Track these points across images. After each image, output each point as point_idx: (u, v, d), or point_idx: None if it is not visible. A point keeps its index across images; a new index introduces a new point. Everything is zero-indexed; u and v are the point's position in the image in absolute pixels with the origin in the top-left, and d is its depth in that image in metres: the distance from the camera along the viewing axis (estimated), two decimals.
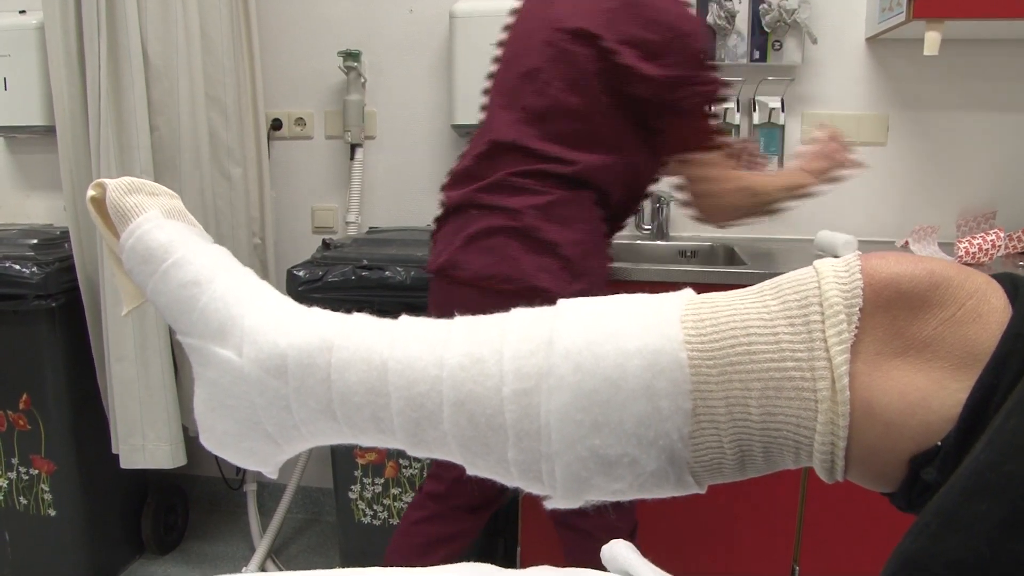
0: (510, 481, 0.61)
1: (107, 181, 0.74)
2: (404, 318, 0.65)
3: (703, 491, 0.58)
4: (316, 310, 0.68)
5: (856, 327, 0.52)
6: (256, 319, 0.66)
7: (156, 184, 0.78)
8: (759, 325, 0.54)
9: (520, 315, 0.62)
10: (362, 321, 0.66)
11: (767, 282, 0.58)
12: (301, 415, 0.65)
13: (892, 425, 0.50)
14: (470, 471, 0.63)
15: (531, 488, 0.60)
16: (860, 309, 0.52)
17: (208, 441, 0.70)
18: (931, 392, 0.49)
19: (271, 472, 0.72)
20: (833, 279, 0.53)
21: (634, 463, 0.56)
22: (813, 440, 0.52)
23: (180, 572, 2.61)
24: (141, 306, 0.81)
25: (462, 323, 0.63)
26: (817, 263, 0.56)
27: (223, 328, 0.66)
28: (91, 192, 0.74)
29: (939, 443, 0.48)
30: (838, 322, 0.52)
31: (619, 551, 0.76)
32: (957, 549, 0.42)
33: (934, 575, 0.42)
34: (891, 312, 0.52)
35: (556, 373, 0.56)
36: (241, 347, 0.65)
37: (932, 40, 2.00)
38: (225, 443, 0.69)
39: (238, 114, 2.49)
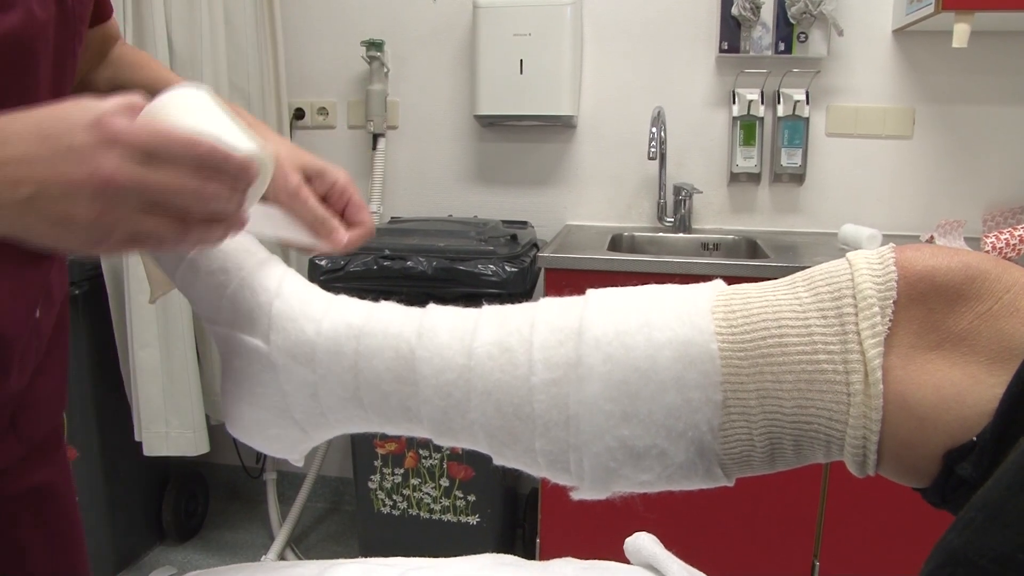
0: (537, 471, 0.61)
1: None
2: (432, 306, 0.65)
3: (731, 484, 0.58)
4: (344, 298, 0.68)
5: (890, 320, 0.51)
6: (284, 307, 0.66)
7: None
8: (791, 317, 0.53)
9: (549, 304, 0.61)
10: (390, 309, 0.66)
11: (799, 274, 0.57)
12: (328, 403, 0.65)
13: (926, 420, 0.49)
14: (497, 461, 0.63)
15: (558, 479, 0.60)
16: (894, 302, 0.51)
17: (236, 428, 0.70)
18: (966, 387, 0.48)
19: (297, 459, 0.72)
20: (867, 271, 0.53)
21: (663, 454, 0.55)
22: (845, 434, 0.51)
23: (200, 559, 2.62)
24: (167, 294, 0.81)
25: (490, 312, 0.63)
26: (850, 255, 0.55)
27: (251, 316, 0.67)
28: None
29: (975, 438, 0.47)
30: (872, 315, 0.51)
31: (643, 543, 0.76)
32: (1004, 544, 0.41)
33: (980, 569, 0.41)
34: (926, 305, 0.51)
35: (586, 363, 0.56)
36: (269, 335, 0.65)
37: (961, 32, 1.97)
38: (253, 430, 0.69)
39: (261, 103, 2.50)
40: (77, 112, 0.51)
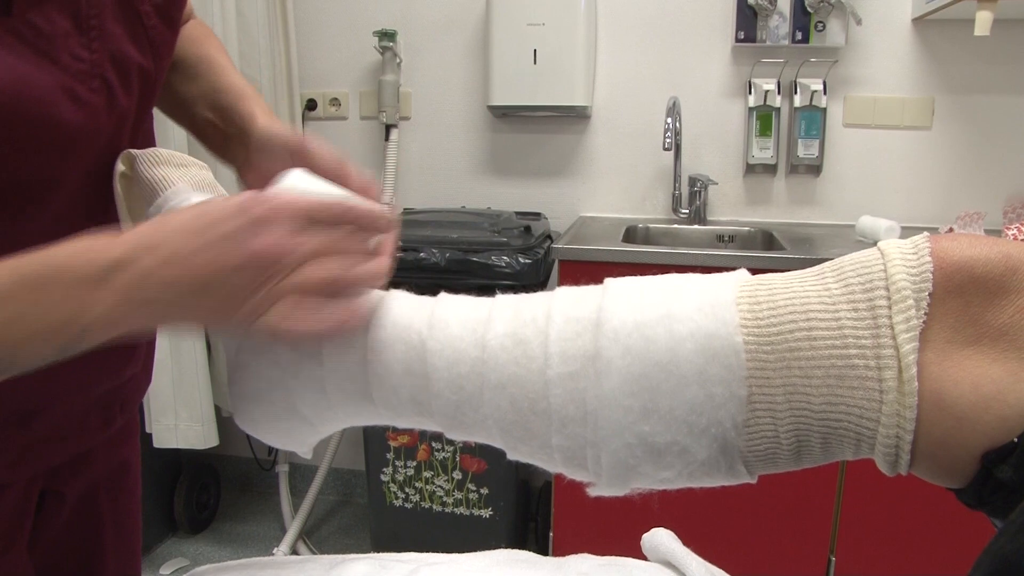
0: (553, 467, 0.58)
1: (135, 152, 0.72)
2: (443, 296, 0.63)
3: (754, 481, 0.56)
4: None
5: (925, 313, 0.49)
6: None
7: (184, 155, 0.76)
8: (820, 309, 0.51)
9: (566, 294, 0.59)
10: (399, 299, 0.64)
11: (827, 264, 0.54)
12: (337, 397, 0.63)
13: (964, 419, 0.47)
14: (511, 456, 0.61)
15: (575, 475, 0.58)
16: (930, 294, 0.49)
17: (243, 422, 0.69)
18: (1007, 384, 0.46)
19: (306, 452, 0.71)
20: (900, 261, 0.50)
21: (684, 451, 0.53)
22: (877, 432, 0.49)
23: (212, 551, 2.62)
24: None
25: (504, 302, 0.60)
26: (882, 244, 0.53)
27: None
28: (120, 167, 0.72)
29: (1016, 439, 0.45)
30: (906, 308, 0.49)
31: (660, 540, 0.74)
32: None
33: None
34: (963, 298, 0.48)
35: (604, 356, 0.54)
36: None
37: (984, 20, 1.93)
38: (260, 424, 0.68)
39: (273, 94, 2.48)
40: (221, 204, 0.55)
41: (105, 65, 0.68)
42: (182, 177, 0.72)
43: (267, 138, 0.77)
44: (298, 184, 0.62)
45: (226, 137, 0.84)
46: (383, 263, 0.61)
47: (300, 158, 0.72)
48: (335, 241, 0.57)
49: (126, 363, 0.84)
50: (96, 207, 0.75)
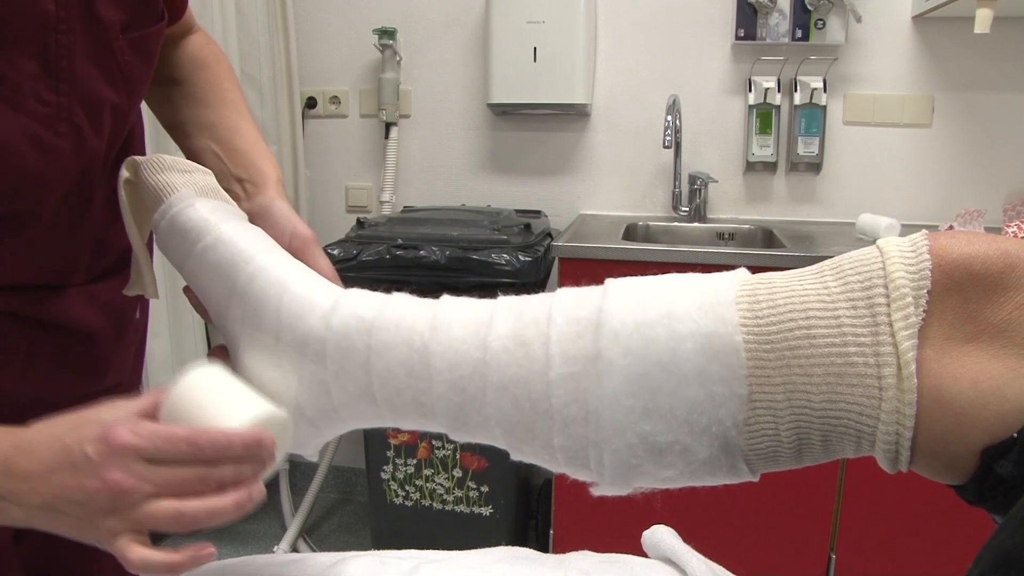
0: (556, 467, 0.59)
1: (138, 159, 0.72)
2: (445, 298, 0.63)
3: (756, 479, 0.56)
4: (355, 291, 0.66)
5: (924, 311, 0.49)
6: (293, 302, 0.64)
7: (188, 161, 0.76)
8: (819, 307, 0.51)
9: (567, 295, 0.59)
10: (402, 302, 0.64)
11: (827, 262, 0.55)
12: (340, 399, 0.63)
13: (963, 415, 0.47)
14: (515, 456, 0.61)
15: (578, 475, 0.58)
16: (928, 291, 0.49)
17: None
18: (1007, 380, 0.46)
19: (311, 455, 0.71)
20: (899, 259, 0.50)
21: (686, 450, 0.54)
22: (876, 429, 0.49)
23: None
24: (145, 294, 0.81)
25: (506, 304, 0.61)
26: (880, 242, 0.53)
27: (260, 312, 0.65)
28: (125, 173, 0.73)
29: (1015, 435, 0.45)
30: (905, 305, 0.49)
31: (661, 537, 0.74)
32: None
33: None
34: (962, 295, 0.49)
35: (605, 357, 0.54)
36: (279, 332, 0.64)
37: (984, 17, 1.93)
38: None
39: (273, 92, 2.48)
40: (89, 425, 0.56)
41: (74, 107, 0.67)
42: (186, 183, 0.72)
43: (278, 212, 0.79)
44: (191, 394, 0.60)
45: (224, 174, 0.85)
46: (229, 501, 0.58)
47: (299, 251, 0.74)
48: (175, 481, 0.56)
49: (105, 370, 0.85)
50: (69, 236, 0.76)
